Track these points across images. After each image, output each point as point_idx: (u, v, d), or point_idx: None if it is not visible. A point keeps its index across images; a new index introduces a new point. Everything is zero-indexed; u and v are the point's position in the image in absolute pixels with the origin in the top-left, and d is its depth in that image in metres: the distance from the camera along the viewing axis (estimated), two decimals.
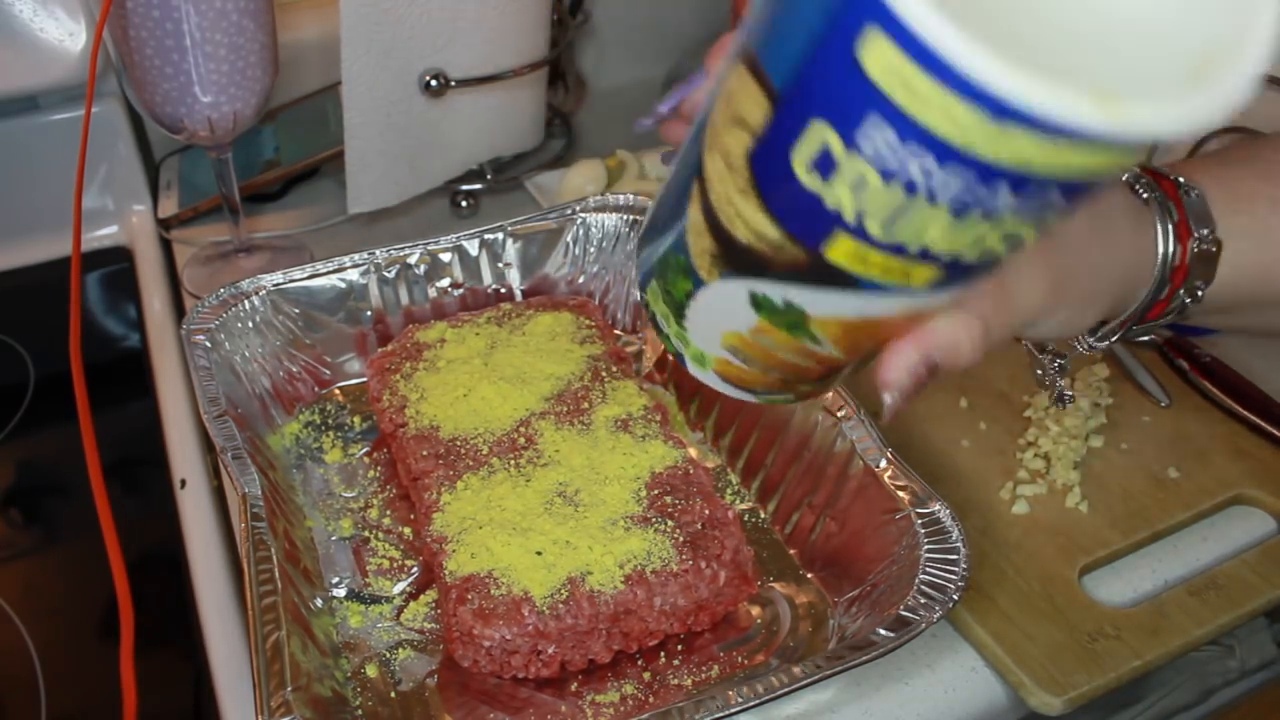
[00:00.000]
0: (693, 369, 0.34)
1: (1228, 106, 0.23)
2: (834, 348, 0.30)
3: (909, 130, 0.22)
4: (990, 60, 0.20)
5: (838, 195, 0.24)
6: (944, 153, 0.22)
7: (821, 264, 0.26)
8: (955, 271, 0.26)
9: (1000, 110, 0.20)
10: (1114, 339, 0.42)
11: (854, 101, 0.22)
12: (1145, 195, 0.40)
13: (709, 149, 0.28)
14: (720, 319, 0.31)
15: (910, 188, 0.23)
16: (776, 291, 0.28)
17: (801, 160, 0.24)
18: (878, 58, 0.21)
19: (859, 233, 0.25)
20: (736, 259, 0.28)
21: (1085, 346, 0.43)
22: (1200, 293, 0.40)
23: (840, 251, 0.25)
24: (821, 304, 0.28)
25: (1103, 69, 0.25)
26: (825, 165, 0.24)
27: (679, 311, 0.32)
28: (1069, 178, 0.23)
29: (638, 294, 0.34)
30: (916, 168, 0.22)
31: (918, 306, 0.29)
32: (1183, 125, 0.22)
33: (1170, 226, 0.39)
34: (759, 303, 0.29)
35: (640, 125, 0.41)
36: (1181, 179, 0.40)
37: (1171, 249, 0.39)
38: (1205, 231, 0.39)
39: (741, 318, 0.30)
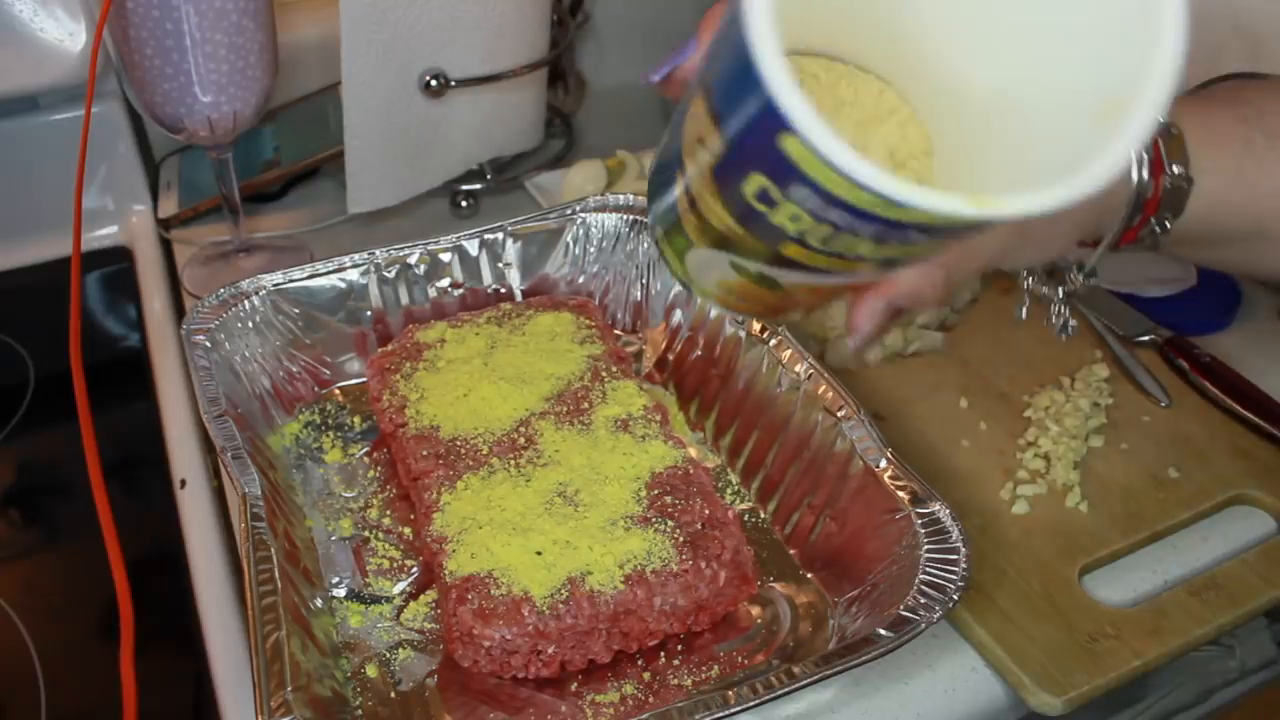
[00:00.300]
0: (698, 296, 0.39)
1: (1093, 189, 0.27)
2: (810, 298, 0.35)
3: (827, 197, 0.27)
4: (877, 171, 0.25)
5: (780, 220, 0.29)
6: (858, 213, 0.27)
7: (780, 256, 0.31)
8: (895, 264, 0.31)
9: (892, 201, 0.26)
10: (1094, 261, 0.45)
11: (782, 169, 0.27)
12: None
13: (685, 150, 0.32)
14: (712, 272, 0.35)
15: (836, 227, 0.28)
16: (752, 265, 0.32)
17: (749, 191, 0.29)
18: (796, 149, 0.26)
19: (802, 244, 0.29)
20: (714, 238, 0.32)
21: (1078, 283, 0.46)
22: (1168, 224, 0.43)
23: (792, 251, 0.30)
24: (789, 277, 0.32)
25: (1001, 154, 0.32)
26: (767, 200, 0.28)
27: (680, 258, 0.36)
28: (969, 229, 0.29)
29: (650, 232, 0.40)
30: (839, 217, 0.27)
31: (874, 279, 0.34)
32: (1049, 208, 0.27)
33: (1146, 161, 0.42)
34: (738, 269, 0.33)
35: (644, 81, 0.42)
36: (1163, 124, 0.42)
37: (1145, 182, 0.42)
38: (1178, 170, 0.42)
39: (728, 275, 0.34)
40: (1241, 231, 0.44)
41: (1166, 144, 0.42)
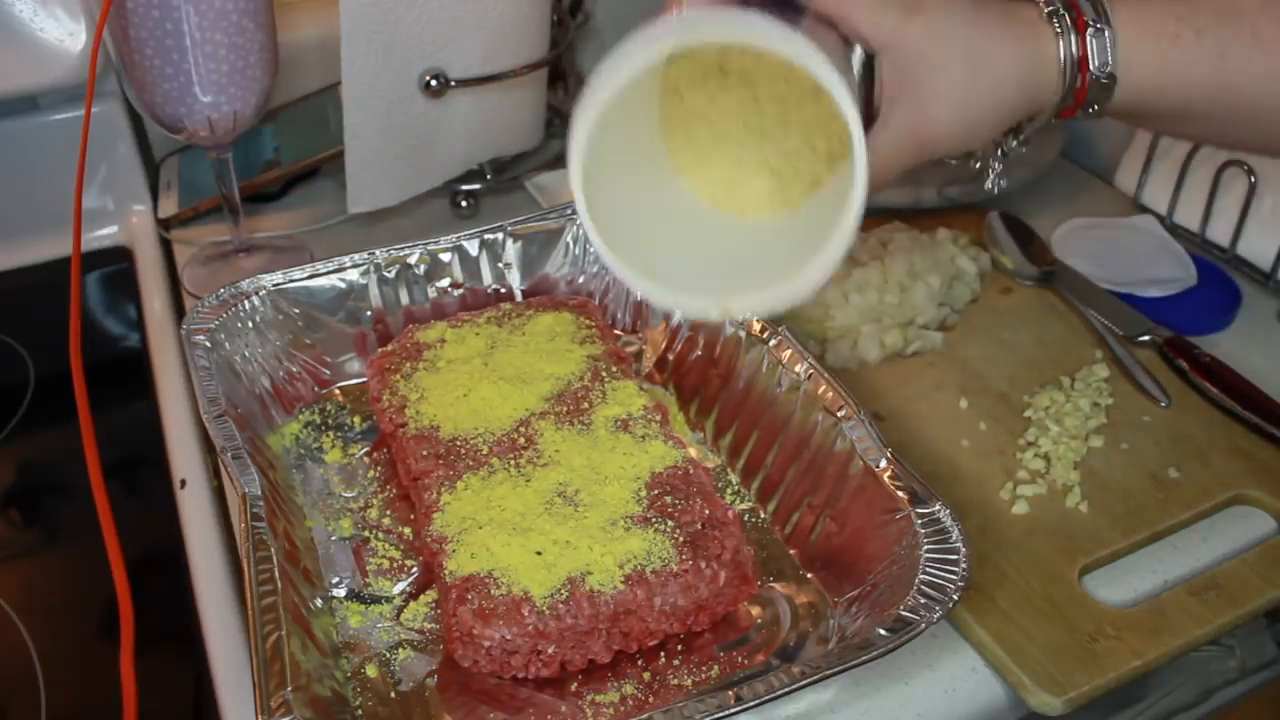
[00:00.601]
0: None
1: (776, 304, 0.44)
2: None
3: None
4: (656, 288, 0.45)
5: None
6: None
7: None
8: None
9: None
10: (1029, 132, 0.52)
11: None
12: (1057, 28, 0.47)
13: None
14: None
15: None
16: None
17: None
18: None
19: None
20: None
21: (1012, 148, 0.54)
22: (1097, 107, 0.49)
23: None
24: None
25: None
26: None
27: None
28: None
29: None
30: None
31: None
32: (765, 310, 0.45)
33: (1073, 59, 0.47)
34: None
35: None
36: (1094, 21, 0.47)
37: (1072, 76, 0.48)
38: (1105, 68, 0.47)
39: None
40: (1170, 112, 0.50)
41: (1093, 45, 0.47)
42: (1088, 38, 0.47)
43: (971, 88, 0.46)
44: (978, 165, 0.60)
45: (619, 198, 0.46)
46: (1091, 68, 0.47)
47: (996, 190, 0.59)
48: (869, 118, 0.46)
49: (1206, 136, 0.58)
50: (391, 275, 0.64)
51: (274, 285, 0.61)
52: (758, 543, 0.55)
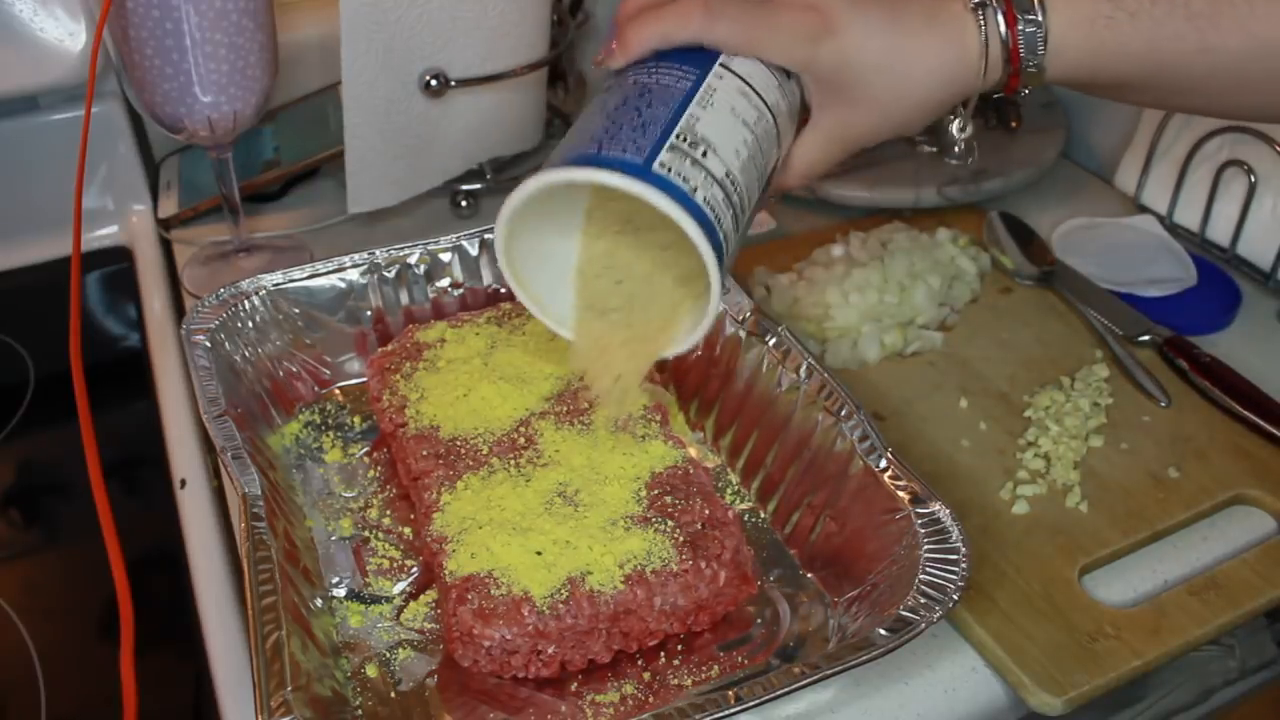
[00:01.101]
0: None
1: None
2: None
3: None
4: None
5: None
6: None
7: None
8: None
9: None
10: (969, 110, 0.56)
11: None
12: (981, 22, 0.48)
13: None
14: None
15: None
16: None
17: None
18: None
19: None
20: None
21: (968, 122, 0.63)
22: (1029, 90, 0.51)
23: None
24: None
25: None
26: None
27: None
28: None
29: None
30: None
31: None
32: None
33: (1004, 53, 0.49)
34: None
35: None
36: (1025, 13, 0.48)
37: (1004, 68, 0.49)
38: (1033, 61, 0.49)
39: None
40: (1107, 86, 0.51)
41: (1023, 40, 0.48)
42: (1018, 31, 0.48)
43: (892, 93, 0.48)
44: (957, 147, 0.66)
45: (541, 245, 0.49)
46: (1022, 56, 0.49)
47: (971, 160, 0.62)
48: (803, 116, 0.50)
49: (1146, 104, 0.63)
50: (391, 275, 0.64)
51: (274, 285, 0.61)
52: (758, 543, 0.55)
